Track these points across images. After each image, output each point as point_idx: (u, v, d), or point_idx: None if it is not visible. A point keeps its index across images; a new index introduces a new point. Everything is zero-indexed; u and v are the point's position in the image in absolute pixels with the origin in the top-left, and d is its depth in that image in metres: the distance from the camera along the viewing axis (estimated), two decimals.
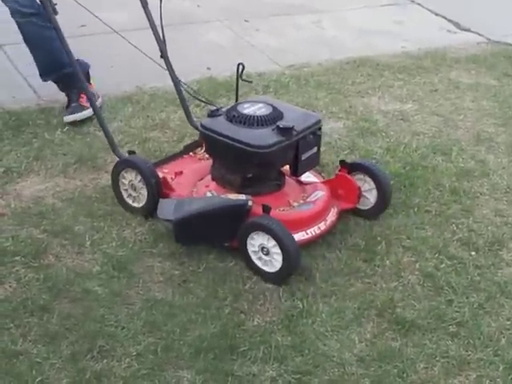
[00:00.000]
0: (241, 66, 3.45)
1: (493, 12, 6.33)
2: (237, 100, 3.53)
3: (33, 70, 4.31)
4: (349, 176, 3.46)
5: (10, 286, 3.03)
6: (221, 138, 3.21)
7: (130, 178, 3.44)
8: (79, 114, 4.21)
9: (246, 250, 3.15)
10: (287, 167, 3.36)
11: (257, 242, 3.10)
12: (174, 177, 3.49)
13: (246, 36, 5.69)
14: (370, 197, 3.49)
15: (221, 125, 3.25)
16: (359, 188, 3.45)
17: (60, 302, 2.96)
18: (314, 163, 3.41)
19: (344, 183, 3.46)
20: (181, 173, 3.53)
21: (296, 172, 3.34)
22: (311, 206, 3.32)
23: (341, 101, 4.71)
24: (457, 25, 6.20)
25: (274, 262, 3.09)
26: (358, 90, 4.89)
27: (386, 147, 4.16)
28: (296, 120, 3.24)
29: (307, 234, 3.23)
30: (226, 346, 2.79)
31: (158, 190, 3.38)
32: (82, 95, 4.22)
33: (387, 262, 3.27)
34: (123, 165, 3.47)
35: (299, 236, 3.19)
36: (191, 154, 3.77)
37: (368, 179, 3.47)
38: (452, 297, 3.09)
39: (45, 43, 4.03)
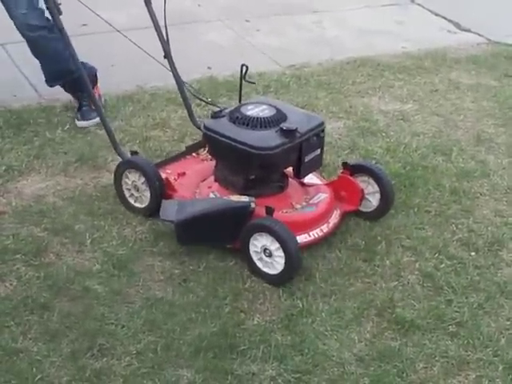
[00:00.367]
0: (244, 67, 3.45)
1: (493, 12, 6.34)
2: (240, 101, 3.53)
3: (34, 70, 4.32)
4: (352, 178, 3.46)
5: (11, 284, 3.04)
6: (224, 140, 3.21)
7: (133, 178, 3.44)
8: (93, 120, 4.20)
9: (248, 251, 3.14)
10: (290, 169, 3.35)
11: (259, 243, 3.10)
12: (176, 177, 3.49)
13: (247, 36, 5.70)
14: (373, 199, 3.48)
15: (224, 126, 3.25)
16: (362, 190, 3.45)
17: (60, 300, 2.97)
18: (317, 165, 3.41)
19: (347, 185, 3.46)
20: (183, 174, 3.53)
21: (299, 174, 3.33)
22: (314, 209, 3.32)
23: (341, 101, 4.72)
24: (457, 25, 6.21)
25: (275, 264, 3.09)
26: (359, 90, 4.89)
27: (386, 147, 4.17)
28: (299, 122, 3.23)
29: (309, 236, 3.23)
30: (226, 344, 2.79)
31: (161, 191, 3.38)
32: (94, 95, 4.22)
33: (387, 261, 3.27)
34: (126, 165, 3.47)
35: (302, 238, 3.18)
36: (194, 154, 3.77)
37: (371, 181, 3.46)
38: (451, 297, 3.10)
39: (54, 55, 4.03)
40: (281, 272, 3.08)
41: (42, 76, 4.26)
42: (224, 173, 3.38)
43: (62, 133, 4.11)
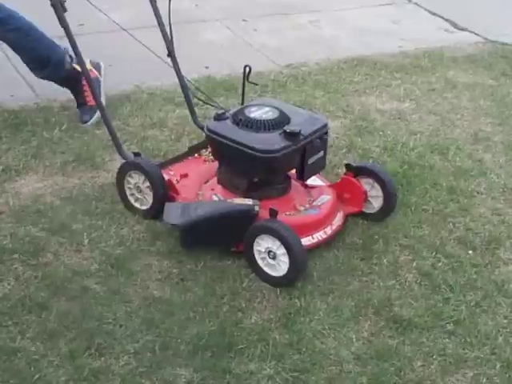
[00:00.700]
0: (247, 68, 3.45)
1: (490, 12, 6.35)
2: (243, 102, 3.53)
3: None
4: (355, 180, 3.45)
5: (9, 284, 3.04)
6: (227, 142, 3.20)
7: (135, 180, 3.43)
8: (94, 118, 4.22)
9: (252, 253, 3.14)
10: (293, 170, 3.35)
11: (263, 245, 3.10)
12: (179, 179, 3.48)
13: (244, 35, 5.70)
14: (375, 201, 3.49)
15: (227, 128, 3.23)
16: (365, 192, 3.46)
17: (58, 299, 2.97)
18: (320, 167, 3.40)
19: (350, 187, 3.46)
20: (186, 175, 3.52)
21: (302, 176, 3.32)
22: (317, 211, 3.32)
23: (338, 100, 4.72)
24: (454, 24, 6.22)
25: (279, 266, 3.08)
26: (356, 89, 4.90)
27: (383, 146, 4.17)
28: (303, 124, 3.21)
29: (313, 238, 3.23)
30: (224, 343, 2.79)
31: (164, 193, 3.38)
32: (86, 92, 4.24)
33: (384, 260, 3.27)
34: (129, 167, 3.46)
35: (305, 241, 3.17)
36: (196, 155, 3.76)
37: (373, 183, 3.46)
38: (449, 295, 3.10)
39: (18, 45, 4.09)
40: (285, 274, 3.07)
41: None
42: (227, 175, 3.37)
43: (60, 133, 4.11)
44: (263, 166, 3.19)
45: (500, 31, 6.00)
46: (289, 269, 3.05)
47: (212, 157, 3.69)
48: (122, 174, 3.48)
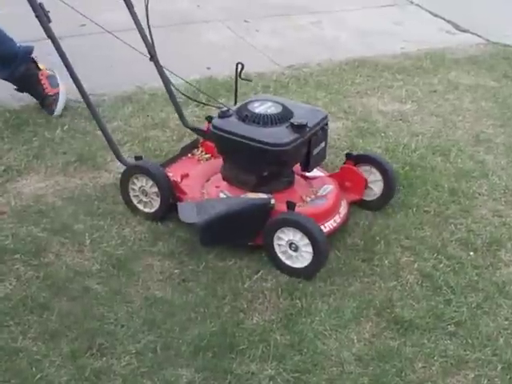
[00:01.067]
0: (240, 65, 3.46)
1: (492, 13, 6.35)
2: (236, 100, 3.54)
3: None
4: (355, 168, 3.50)
5: (10, 284, 3.04)
6: (235, 138, 3.21)
7: (140, 183, 3.42)
8: (60, 105, 4.29)
9: (273, 247, 3.16)
10: None
11: (285, 238, 3.12)
12: (180, 179, 3.48)
13: (246, 36, 5.71)
14: (376, 187, 3.52)
15: (234, 125, 3.25)
16: (366, 179, 3.49)
17: (60, 299, 2.97)
18: (322, 158, 3.45)
19: (350, 175, 3.50)
20: (187, 175, 3.52)
21: (307, 167, 3.36)
22: (325, 200, 3.35)
23: (340, 101, 4.72)
24: (456, 26, 6.22)
25: (302, 258, 3.11)
26: (358, 91, 4.90)
27: (384, 147, 4.17)
28: (306, 116, 3.26)
29: (325, 227, 3.24)
30: (225, 344, 2.79)
31: (171, 194, 3.38)
32: (43, 83, 4.31)
33: (386, 261, 3.28)
34: (133, 170, 3.45)
35: None
36: (189, 155, 3.78)
37: (373, 170, 3.51)
38: (450, 297, 3.10)
39: None
40: (308, 265, 3.10)
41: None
42: (234, 171, 3.38)
43: (61, 133, 4.12)
44: (274, 159, 3.21)
45: (502, 33, 6.00)
46: (312, 259, 3.08)
47: (205, 156, 3.74)
48: (126, 179, 3.48)
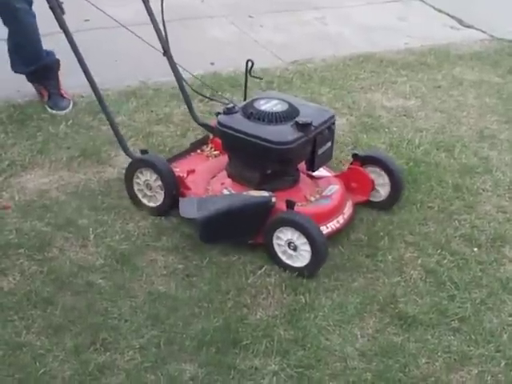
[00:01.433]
0: (250, 63, 3.46)
1: (496, 9, 6.33)
2: (245, 97, 3.54)
3: None
4: (362, 169, 3.48)
5: (14, 279, 3.04)
6: (240, 135, 3.21)
7: (145, 177, 3.42)
8: (67, 110, 4.30)
9: (272, 245, 3.15)
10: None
11: (284, 237, 3.11)
12: (186, 175, 3.47)
13: (250, 32, 5.70)
14: (383, 189, 3.51)
15: (239, 122, 3.25)
16: (373, 181, 3.48)
17: (63, 294, 2.97)
18: (328, 158, 3.44)
19: (357, 176, 3.49)
20: (193, 171, 3.52)
21: (312, 167, 3.35)
22: (329, 201, 3.34)
23: (344, 96, 4.72)
24: (460, 21, 6.21)
25: (301, 257, 3.10)
26: (362, 86, 4.89)
27: (389, 143, 4.17)
28: (312, 115, 3.25)
29: (327, 228, 3.24)
30: (229, 339, 2.80)
31: (176, 189, 3.38)
32: (61, 84, 4.36)
33: (390, 257, 3.27)
34: (139, 164, 3.45)
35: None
36: (198, 151, 3.77)
37: (381, 171, 3.49)
38: (454, 292, 3.10)
39: (32, 34, 4.15)
40: (306, 265, 3.10)
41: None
42: (238, 168, 3.38)
43: (66, 128, 4.12)
44: (277, 157, 3.21)
45: (506, 28, 5.99)
46: (311, 259, 3.08)
47: (214, 152, 3.73)
48: (131, 172, 3.48)
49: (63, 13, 3.40)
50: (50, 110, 4.29)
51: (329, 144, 3.35)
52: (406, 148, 4.13)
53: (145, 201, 3.47)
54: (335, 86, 4.85)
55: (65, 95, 4.37)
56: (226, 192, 3.37)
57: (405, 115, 4.55)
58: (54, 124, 4.15)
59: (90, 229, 3.33)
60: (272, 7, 6.21)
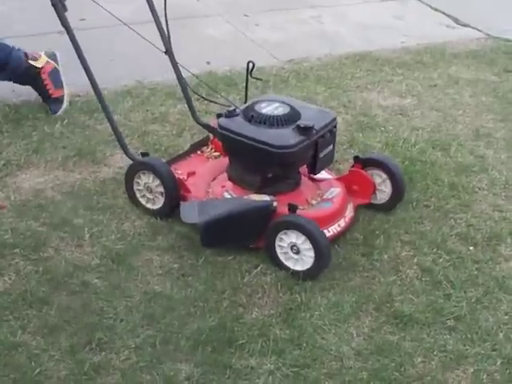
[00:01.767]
0: (251, 64, 3.45)
1: (492, 7, 6.34)
2: (246, 98, 3.53)
3: None
4: (363, 172, 3.47)
5: (10, 279, 3.04)
6: (241, 139, 3.19)
7: (145, 180, 3.41)
8: (60, 110, 4.28)
9: (274, 249, 3.14)
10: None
11: (287, 241, 3.10)
12: (186, 177, 3.46)
13: (246, 30, 5.69)
14: (384, 191, 3.51)
15: (240, 125, 3.23)
16: (374, 183, 3.47)
17: (59, 294, 2.97)
18: (330, 161, 3.42)
19: (358, 179, 3.48)
20: (193, 173, 3.51)
21: (314, 170, 3.33)
22: (331, 204, 3.32)
23: (340, 95, 4.72)
24: (456, 20, 6.21)
25: (304, 260, 3.09)
26: (358, 85, 4.89)
27: (384, 142, 4.17)
28: (314, 119, 3.23)
29: (329, 232, 3.22)
30: (225, 339, 2.79)
31: (176, 192, 3.37)
32: (48, 86, 4.30)
33: (385, 256, 3.27)
34: (139, 167, 3.44)
35: None
36: (198, 152, 3.76)
37: (382, 174, 3.48)
38: (450, 291, 3.10)
39: None
40: (310, 267, 3.08)
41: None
42: (239, 171, 3.37)
43: (61, 127, 4.11)
44: (279, 161, 3.20)
45: (502, 27, 5.99)
46: (314, 263, 3.07)
47: (214, 154, 3.71)
48: (131, 175, 3.46)
49: (65, 10, 3.38)
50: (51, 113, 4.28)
51: (330, 147, 3.33)
52: (402, 147, 4.12)
53: (144, 203, 3.46)
54: (331, 85, 4.84)
55: (55, 95, 4.30)
56: (226, 195, 3.36)
57: (401, 114, 4.55)
58: (49, 123, 4.14)
59: (86, 228, 3.33)
60: (268, 6, 6.21)
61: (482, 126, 4.46)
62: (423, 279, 3.17)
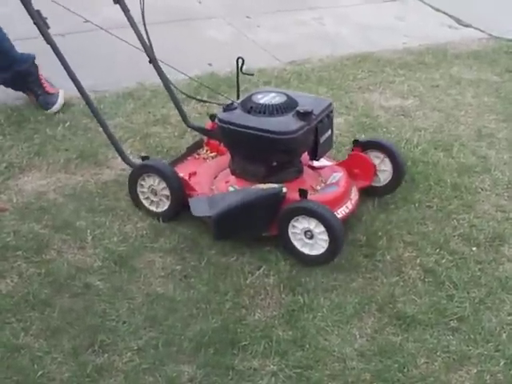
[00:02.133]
0: (240, 60, 3.46)
1: (494, 8, 6.33)
2: (238, 95, 3.54)
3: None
4: (363, 154, 3.51)
5: (12, 281, 3.04)
6: (243, 130, 3.21)
7: (150, 182, 3.41)
8: (58, 102, 4.30)
9: (288, 236, 3.16)
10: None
11: (300, 226, 3.12)
12: (188, 178, 3.46)
13: (248, 32, 5.69)
14: (384, 173, 3.54)
15: (240, 117, 3.25)
16: (375, 165, 3.50)
17: (61, 296, 2.97)
18: (330, 146, 3.46)
19: (359, 162, 3.51)
20: (194, 173, 3.51)
21: (315, 156, 3.36)
22: (336, 188, 3.35)
23: (342, 96, 4.71)
24: (458, 20, 6.20)
25: (318, 245, 3.12)
26: (359, 86, 4.89)
27: None
28: (311, 105, 3.26)
29: (338, 214, 3.23)
30: (227, 340, 2.79)
31: (182, 192, 3.37)
32: (43, 82, 4.34)
33: (388, 257, 3.27)
34: (143, 170, 3.43)
35: None
36: (195, 155, 3.76)
37: (382, 156, 3.51)
38: (453, 292, 3.10)
39: None
40: (325, 252, 3.11)
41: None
42: (242, 164, 3.38)
43: (63, 130, 4.11)
44: (282, 148, 3.22)
45: (504, 27, 5.98)
46: (328, 246, 3.09)
47: (211, 155, 3.72)
48: (134, 179, 3.46)
49: (48, 27, 3.39)
50: (44, 110, 4.28)
51: (329, 132, 3.38)
52: (405, 147, 4.11)
53: (149, 206, 3.45)
54: (333, 86, 4.84)
55: (51, 90, 4.34)
56: (231, 189, 3.37)
57: (403, 115, 4.55)
58: (51, 126, 4.14)
59: (88, 231, 3.33)
60: (269, 7, 6.21)
61: (485, 127, 4.45)
62: (426, 280, 3.16)
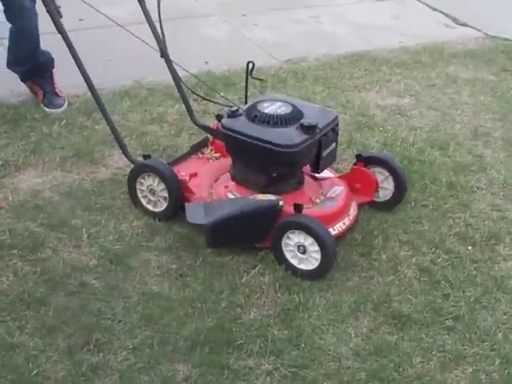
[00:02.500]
0: (251, 64, 3.44)
1: (490, 7, 6.34)
2: (246, 98, 3.52)
3: None
4: (366, 169, 3.48)
5: (7, 279, 3.03)
6: (245, 139, 3.19)
7: (148, 182, 3.40)
8: (62, 108, 4.30)
9: (281, 249, 3.14)
10: None
11: (294, 240, 3.10)
12: (188, 179, 3.45)
13: (244, 30, 5.69)
14: (386, 189, 3.51)
15: (243, 125, 3.23)
16: (376, 181, 3.48)
17: (57, 295, 2.97)
18: (333, 159, 3.43)
19: (361, 177, 3.48)
20: (195, 174, 3.50)
21: (317, 169, 3.34)
22: (335, 202, 3.32)
23: (338, 95, 4.71)
24: (454, 20, 6.21)
25: (311, 260, 3.09)
26: (356, 85, 4.89)
27: (383, 142, 4.17)
28: (316, 117, 3.23)
29: (334, 230, 3.22)
30: (223, 339, 2.79)
31: (180, 194, 3.36)
32: (55, 83, 4.34)
33: (384, 256, 3.27)
34: (142, 169, 3.43)
35: None
36: (198, 154, 3.75)
37: (384, 172, 3.49)
38: (448, 291, 3.10)
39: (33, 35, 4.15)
40: (317, 267, 3.09)
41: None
42: (243, 171, 3.36)
43: (59, 128, 4.11)
44: (283, 160, 3.20)
45: (500, 26, 5.99)
46: (320, 262, 3.07)
47: (215, 155, 3.70)
48: (134, 178, 3.45)
49: (60, 16, 3.39)
50: (45, 108, 4.28)
51: (333, 145, 3.34)
52: (401, 146, 4.12)
53: (147, 205, 3.45)
54: (329, 85, 4.84)
55: (60, 94, 4.35)
56: (230, 195, 3.35)
57: (399, 114, 4.55)
58: (47, 124, 4.13)
59: (84, 229, 3.32)
60: (266, 6, 6.21)
61: (481, 126, 4.45)
62: (421, 279, 3.16)
